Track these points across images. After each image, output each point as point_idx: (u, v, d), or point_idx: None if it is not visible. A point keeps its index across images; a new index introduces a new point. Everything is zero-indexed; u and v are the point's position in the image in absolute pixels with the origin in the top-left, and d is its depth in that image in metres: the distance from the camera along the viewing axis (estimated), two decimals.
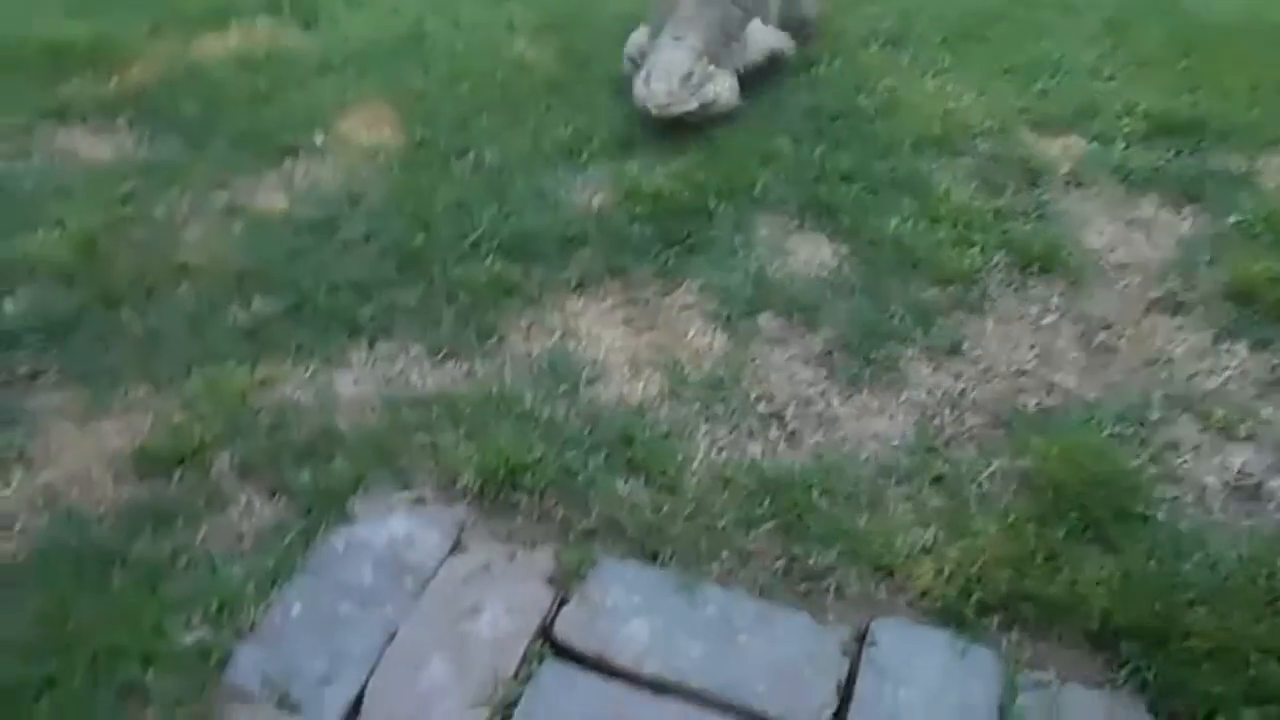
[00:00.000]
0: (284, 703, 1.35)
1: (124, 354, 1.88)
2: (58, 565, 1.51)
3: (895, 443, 1.69)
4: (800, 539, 1.54)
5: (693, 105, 2.35)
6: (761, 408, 1.76)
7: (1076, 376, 1.81)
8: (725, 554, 1.52)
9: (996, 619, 1.43)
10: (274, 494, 1.65)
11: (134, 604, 1.45)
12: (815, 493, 1.60)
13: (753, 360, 1.85)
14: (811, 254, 2.10)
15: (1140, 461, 1.63)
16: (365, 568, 1.52)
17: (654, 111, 2.35)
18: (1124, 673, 1.37)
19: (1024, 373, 1.82)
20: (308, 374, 1.84)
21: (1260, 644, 1.36)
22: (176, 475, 1.67)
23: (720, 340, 1.89)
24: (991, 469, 1.63)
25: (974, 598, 1.44)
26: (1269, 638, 1.37)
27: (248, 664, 1.40)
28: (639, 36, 2.58)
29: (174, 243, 2.16)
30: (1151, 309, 1.95)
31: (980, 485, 1.61)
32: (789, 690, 1.34)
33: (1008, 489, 1.60)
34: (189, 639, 1.42)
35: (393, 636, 1.43)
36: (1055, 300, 1.98)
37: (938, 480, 1.62)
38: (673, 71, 2.34)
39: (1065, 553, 1.49)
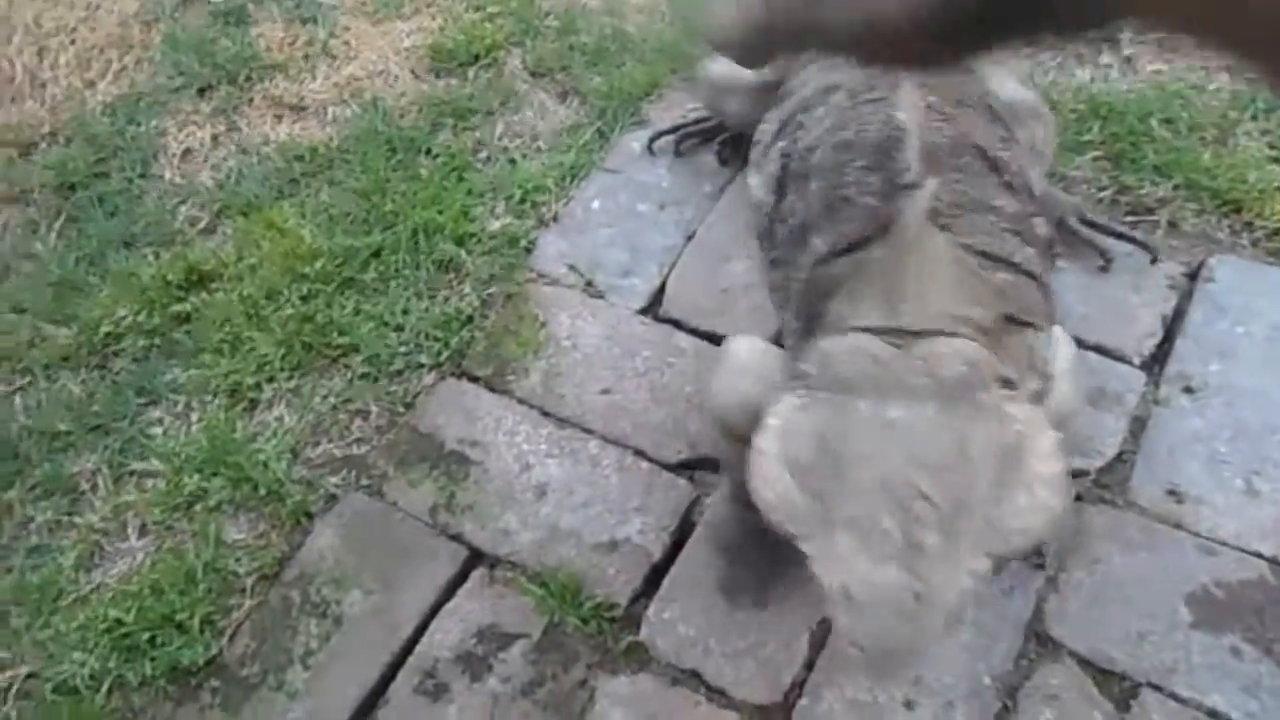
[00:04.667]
0: (589, 288, 1.40)
1: None
2: (370, 150, 1.58)
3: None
4: (1133, 168, 1.40)
5: None
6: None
7: None
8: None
9: None
10: (565, 95, 1.63)
11: (443, 190, 1.51)
12: (1154, 121, 1.43)
13: None
14: None
15: None
16: (661, 169, 1.50)
17: None
18: None
19: None
20: None
21: None
22: (471, 74, 1.67)
23: None
24: None
25: None
26: None
27: (552, 251, 1.44)
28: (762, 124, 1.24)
29: None
30: None
31: None
32: (1110, 319, 1.27)
33: None
34: (495, 225, 1.47)
35: (692, 235, 1.43)
36: None
37: None
38: None
39: None
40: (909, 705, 1.04)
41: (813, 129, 1.03)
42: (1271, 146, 1.40)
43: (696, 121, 1.50)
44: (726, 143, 1.47)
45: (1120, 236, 1.32)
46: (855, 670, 1.06)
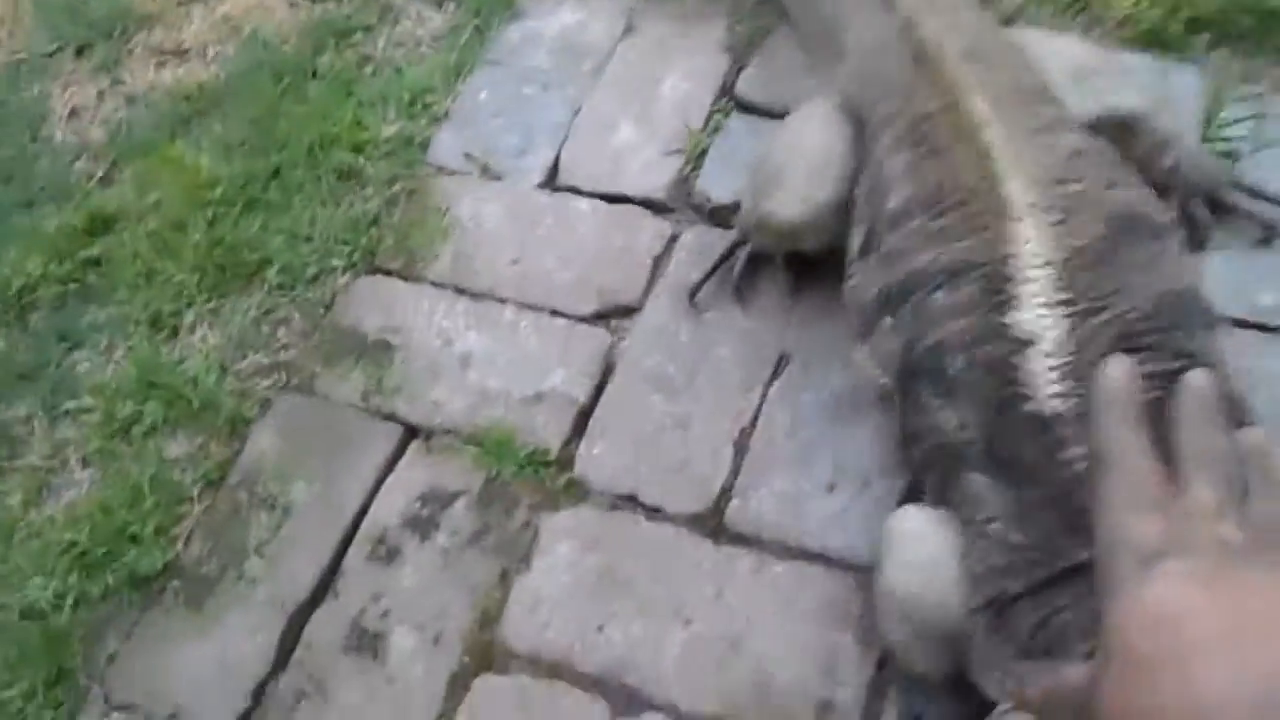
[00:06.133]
0: (486, 172, 1.43)
1: None
2: (257, 80, 1.59)
3: None
4: None
5: None
6: None
7: None
8: None
9: (1206, 36, 1.35)
10: (441, 2, 1.65)
11: (334, 105, 1.53)
12: None
13: None
14: None
15: None
16: (541, 54, 1.54)
17: None
18: None
19: None
20: None
21: None
22: None
23: None
24: None
25: (1182, 14, 1.35)
26: None
27: (448, 144, 1.47)
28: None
29: None
30: None
31: None
32: None
33: None
34: (390, 130, 1.50)
35: (579, 110, 1.46)
36: None
37: None
38: None
39: None
40: (830, 488, 1.11)
41: (937, 315, 0.87)
42: None
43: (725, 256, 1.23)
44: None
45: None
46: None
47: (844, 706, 1.00)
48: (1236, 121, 1.28)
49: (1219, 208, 1.18)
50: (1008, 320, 0.82)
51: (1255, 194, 1.19)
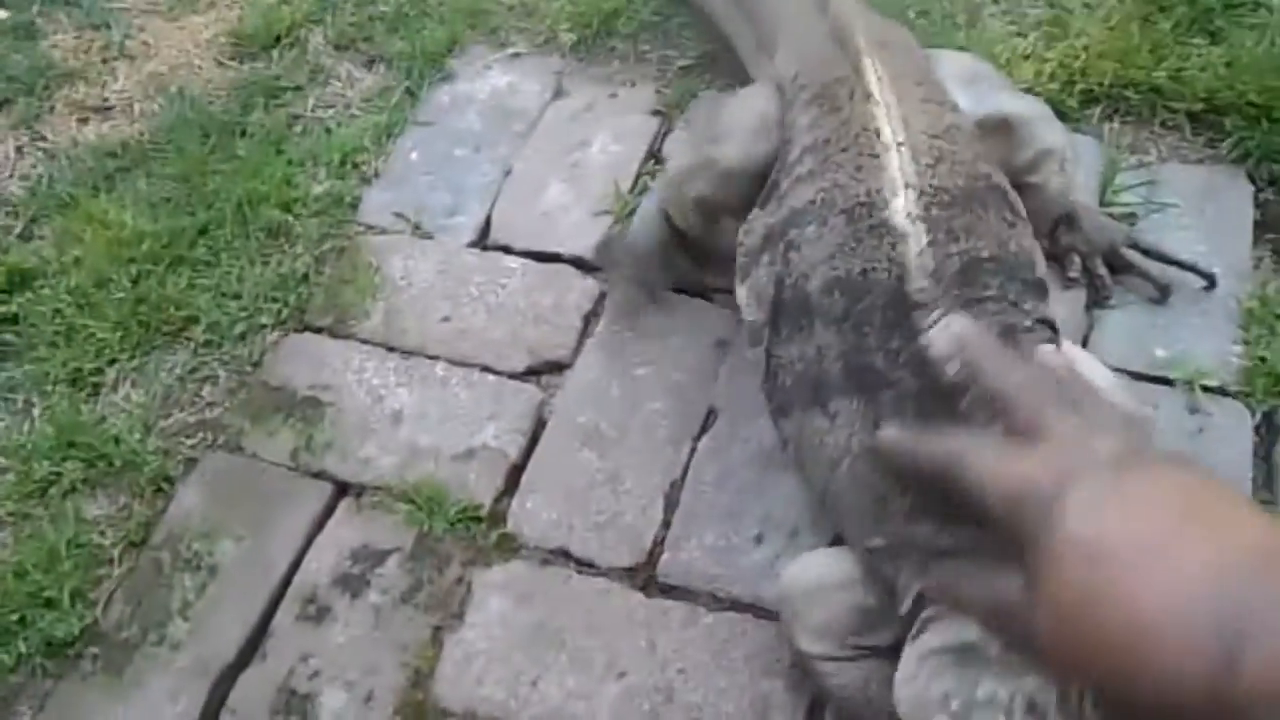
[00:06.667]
0: (418, 231, 1.45)
1: None
2: (183, 137, 1.59)
3: None
4: None
5: None
6: None
7: None
8: None
9: (1099, 109, 1.45)
10: (371, 63, 1.67)
11: (262, 164, 1.53)
12: (910, 13, 1.57)
13: None
14: None
15: None
16: (472, 116, 1.57)
17: None
18: (1225, 146, 1.39)
19: None
20: None
21: None
22: (275, 55, 1.70)
23: None
24: None
25: (1077, 88, 1.44)
26: None
27: (378, 204, 1.49)
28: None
29: None
30: None
31: None
32: None
33: None
34: (319, 188, 1.51)
35: (509, 171, 1.50)
36: None
37: None
38: None
39: (1170, 44, 1.47)
40: (759, 539, 1.14)
41: (806, 250, 0.94)
42: (1012, 24, 1.56)
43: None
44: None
45: (1178, 264, 1.25)
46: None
47: None
48: (1129, 188, 1.37)
49: (1118, 266, 1.26)
50: (875, 223, 0.88)
51: (1150, 254, 1.27)
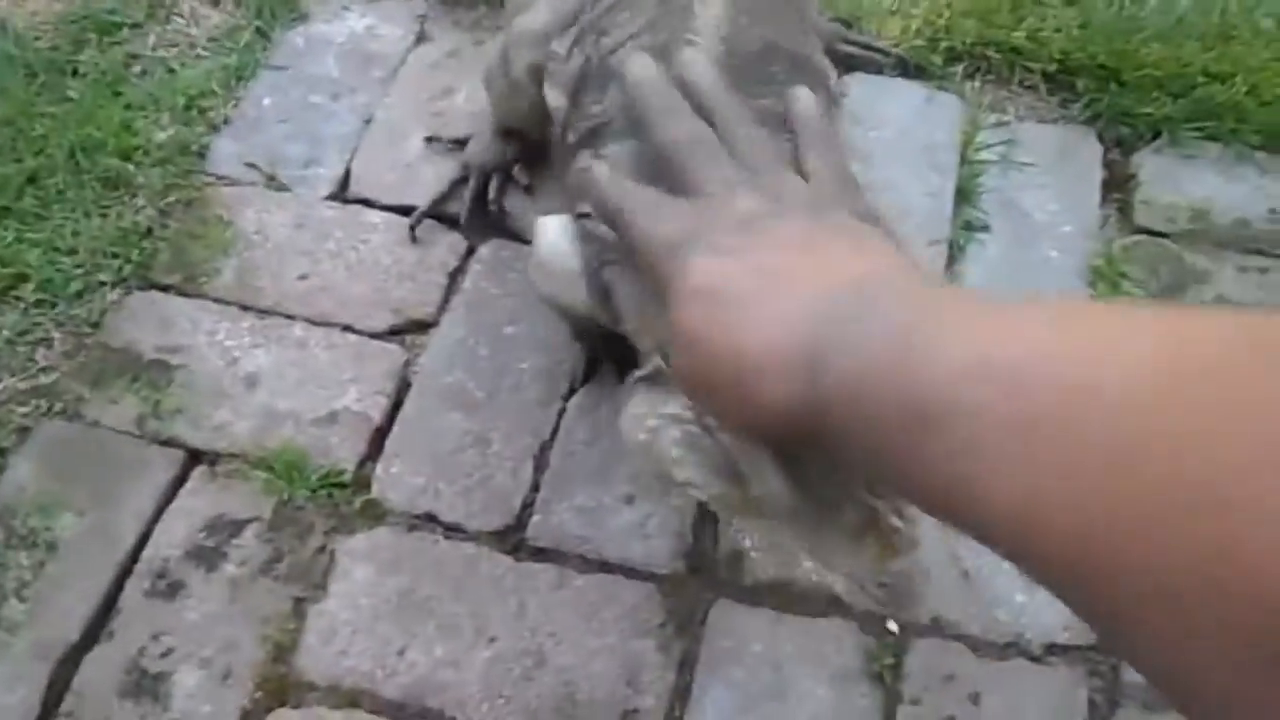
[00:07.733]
0: (272, 182, 1.38)
1: None
2: (6, 76, 1.46)
3: None
4: None
5: None
6: None
7: None
8: None
9: (961, 68, 1.47)
10: (218, 1, 1.57)
11: (97, 107, 1.42)
12: None
13: None
14: None
15: None
16: (329, 61, 1.49)
17: None
18: (1077, 108, 1.44)
19: None
20: None
21: (1207, 69, 1.43)
22: None
23: None
24: None
25: (941, 45, 1.46)
26: (1215, 63, 1.43)
27: (228, 153, 1.40)
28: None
29: None
30: None
31: None
32: None
33: None
34: (162, 135, 1.41)
35: (369, 120, 1.43)
36: None
37: None
38: None
39: (1029, 4, 1.50)
40: (629, 499, 1.13)
41: (615, 33, 0.95)
42: None
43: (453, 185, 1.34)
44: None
45: (880, 51, 1.47)
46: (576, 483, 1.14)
47: (648, 713, 1.02)
48: (989, 146, 1.41)
49: (839, 58, 1.35)
50: (685, 3, 0.89)
51: (858, 44, 1.45)
